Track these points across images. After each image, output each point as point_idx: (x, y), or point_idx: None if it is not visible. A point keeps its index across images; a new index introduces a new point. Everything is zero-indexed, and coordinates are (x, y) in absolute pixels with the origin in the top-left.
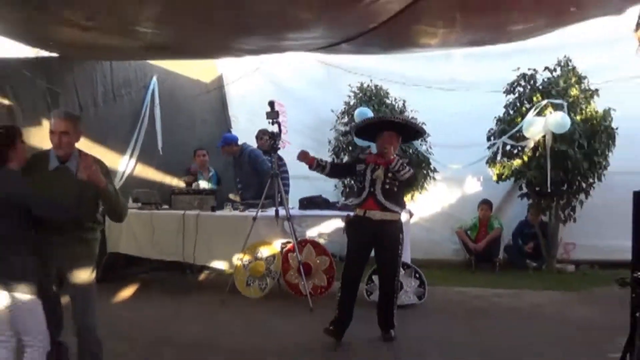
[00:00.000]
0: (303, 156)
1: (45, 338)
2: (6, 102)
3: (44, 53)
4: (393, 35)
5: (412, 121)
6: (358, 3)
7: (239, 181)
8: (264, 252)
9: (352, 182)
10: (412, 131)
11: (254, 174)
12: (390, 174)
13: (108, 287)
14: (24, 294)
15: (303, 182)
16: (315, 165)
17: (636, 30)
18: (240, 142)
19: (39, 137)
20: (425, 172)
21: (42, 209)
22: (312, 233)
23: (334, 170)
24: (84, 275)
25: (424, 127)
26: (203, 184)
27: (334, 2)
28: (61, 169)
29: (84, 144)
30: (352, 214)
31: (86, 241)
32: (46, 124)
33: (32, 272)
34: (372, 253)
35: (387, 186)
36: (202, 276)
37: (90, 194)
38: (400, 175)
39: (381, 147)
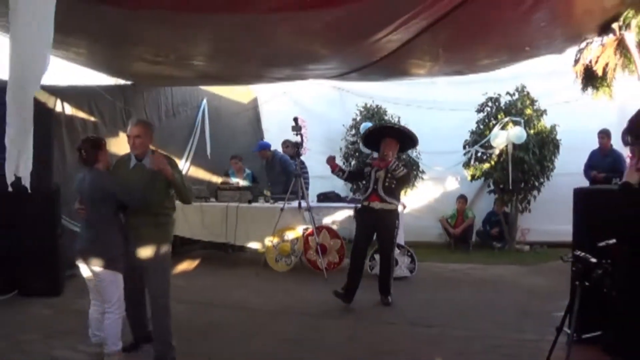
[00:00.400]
0: (330, 160)
1: (122, 306)
2: (93, 118)
3: (121, 81)
4: (390, 66)
5: (407, 128)
6: (364, 42)
7: (269, 179)
8: (290, 235)
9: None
10: (408, 140)
11: (282, 174)
12: (389, 174)
13: None
14: (110, 269)
15: (320, 181)
16: (338, 170)
17: (574, 65)
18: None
19: (117, 145)
20: (415, 173)
21: (125, 198)
22: (327, 221)
23: (350, 176)
24: (155, 252)
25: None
26: (242, 182)
27: (345, 42)
28: (138, 165)
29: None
30: (359, 205)
31: (158, 224)
32: (122, 135)
33: (119, 250)
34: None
35: (387, 184)
36: (240, 254)
37: (162, 185)
38: (396, 173)
39: (382, 152)
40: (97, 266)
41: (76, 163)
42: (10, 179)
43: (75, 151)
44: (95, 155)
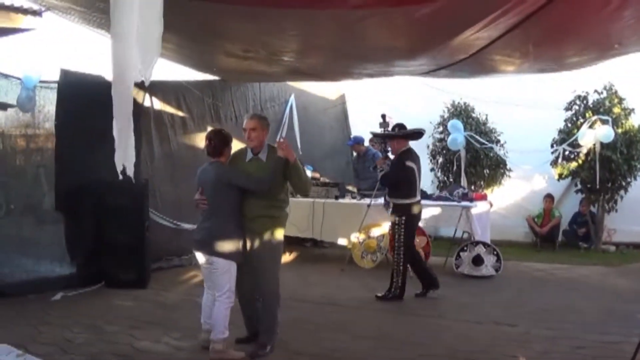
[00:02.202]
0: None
1: (231, 296)
2: (181, 113)
3: (209, 77)
4: (479, 63)
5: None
6: (453, 39)
7: (358, 174)
8: (376, 232)
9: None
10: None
11: (372, 170)
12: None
13: None
14: (226, 258)
15: None
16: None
17: None
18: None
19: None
20: (502, 171)
21: (252, 186)
22: None
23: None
24: (269, 242)
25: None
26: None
27: (435, 38)
28: (254, 159)
29: (238, 145)
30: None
31: (273, 216)
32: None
33: (236, 241)
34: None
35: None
36: (326, 250)
37: (277, 179)
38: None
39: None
40: (214, 255)
41: (164, 157)
42: (119, 168)
43: (163, 143)
44: (221, 149)
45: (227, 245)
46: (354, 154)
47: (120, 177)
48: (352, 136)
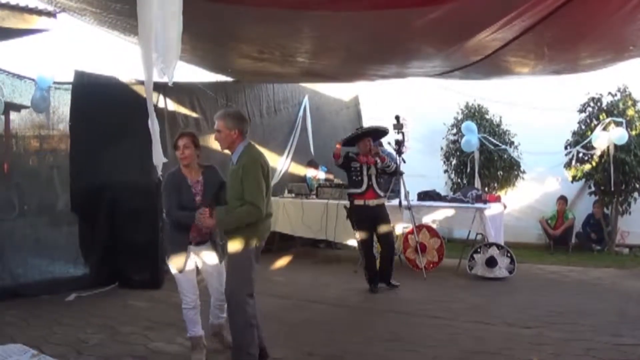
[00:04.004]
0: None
1: (184, 298)
2: (195, 114)
3: (223, 78)
4: (494, 64)
5: (379, 127)
6: (468, 40)
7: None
8: None
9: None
10: (380, 133)
11: (384, 172)
12: (379, 170)
13: (267, 257)
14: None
15: (420, 179)
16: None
17: None
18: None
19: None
20: (516, 173)
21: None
22: (427, 219)
23: (342, 165)
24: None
25: (512, 138)
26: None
27: (449, 40)
28: (230, 161)
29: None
30: (348, 201)
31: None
32: None
33: (172, 248)
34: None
35: (380, 179)
36: (339, 251)
37: (233, 191)
38: (389, 169)
39: (366, 149)
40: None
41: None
42: (159, 167)
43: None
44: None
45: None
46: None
47: (160, 175)
48: None
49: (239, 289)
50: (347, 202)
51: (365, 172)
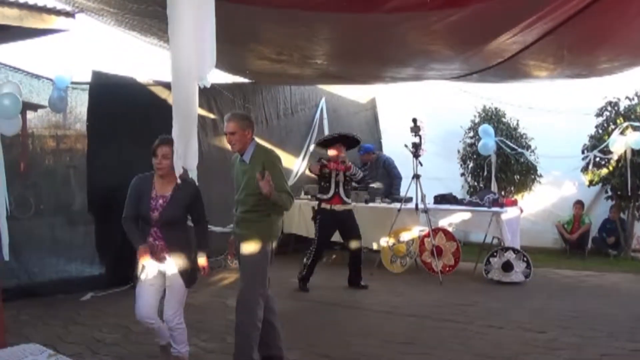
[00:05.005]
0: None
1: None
2: (212, 115)
3: (240, 79)
4: (513, 68)
5: (351, 133)
6: (488, 43)
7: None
8: (406, 236)
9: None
10: (352, 141)
11: (385, 176)
12: (347, 178)
13: (282, 259)
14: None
15: (435, 182)
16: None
17: None
18: (379, 151)
19: None
20: (532, 177)
21: None
22: (443, 223)
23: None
24: (245, 250)
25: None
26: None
27: (469, 43)
28: (240, 162)
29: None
30: (316, 205)
31: (250, 222)
32: None
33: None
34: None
35: (347, 186)
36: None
37: (251, 187)
38: (355, 177)
39: (337, 156)
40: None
41: None
42: (179, 171)
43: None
44: None
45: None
46: (366, 163)
47: (179, 181)
48: (361, 146)
49: (251, 287)
50: (362, 205)
51: (333, 179)
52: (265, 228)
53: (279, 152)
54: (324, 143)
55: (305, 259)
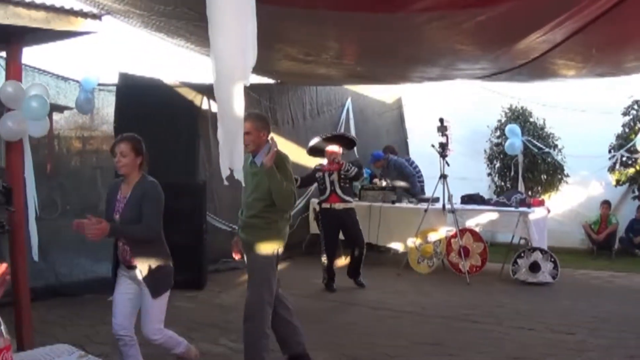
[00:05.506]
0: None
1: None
2: None
3: (265, 79)
4: (541, 67)
5: (344, 133)
6: (517, 42)
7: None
8: (433, 237)
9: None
10: (348, 141)
11: (399, 177)
12: (342, 175)
13: (308, 259)
14: None
15: (461, 182)
16: None
17: None
18: (391, 154)
19: None
20: (559, 176)
21: None
22: (470, 223)
23: (302, 183)
24: (251, 256)
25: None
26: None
27: (498, 42)
28: (252, 164)
29: (294, 149)
30: (316, 207)
31: (256, 228)
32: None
33: None
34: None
35: (342, 184)
36: (381, 254)
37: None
38: (348, 174)
39: (330, 157)
40: None
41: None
42: (225, 173)
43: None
44: None
45: None
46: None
47: (226, 182)
48: (371, 155)
49: (258, 296)
50: (389, 205)
51: (327, 179)
52: (271, 236)
53: (305, 154)
54: (324, 142)
55: (322, 259)
